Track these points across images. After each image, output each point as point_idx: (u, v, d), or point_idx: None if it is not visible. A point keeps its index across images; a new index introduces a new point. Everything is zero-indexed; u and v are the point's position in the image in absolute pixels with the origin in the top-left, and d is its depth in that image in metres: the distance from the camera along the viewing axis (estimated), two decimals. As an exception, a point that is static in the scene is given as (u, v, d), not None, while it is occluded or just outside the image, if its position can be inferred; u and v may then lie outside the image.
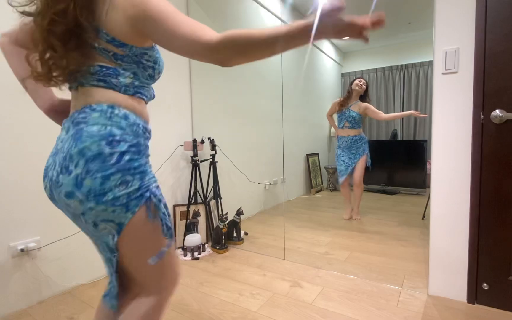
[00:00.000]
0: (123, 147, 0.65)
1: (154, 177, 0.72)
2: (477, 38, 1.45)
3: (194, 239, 2.27)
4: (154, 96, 0.81)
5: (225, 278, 1.90)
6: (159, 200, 0.70)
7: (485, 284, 1.51)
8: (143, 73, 0.73)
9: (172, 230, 0.74)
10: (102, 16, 0.65)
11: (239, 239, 2.51)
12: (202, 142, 2.56)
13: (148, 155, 0.73)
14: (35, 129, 1.63)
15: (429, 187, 1.71)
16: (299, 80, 4.12)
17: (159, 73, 0.78)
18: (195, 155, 2.48)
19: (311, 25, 0.60)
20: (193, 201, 2.47)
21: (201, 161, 2.59)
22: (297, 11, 3.97)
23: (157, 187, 0.72)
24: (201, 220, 2.47)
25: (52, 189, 0.67)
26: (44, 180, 0.70)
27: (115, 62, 0.68)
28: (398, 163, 4.30)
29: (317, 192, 4.43)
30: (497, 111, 1.40)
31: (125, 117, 0.68)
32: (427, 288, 1.67)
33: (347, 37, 0.67)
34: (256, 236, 2.68)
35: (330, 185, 4.56)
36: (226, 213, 2.39)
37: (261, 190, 3.50)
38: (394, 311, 1.50)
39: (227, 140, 2.90)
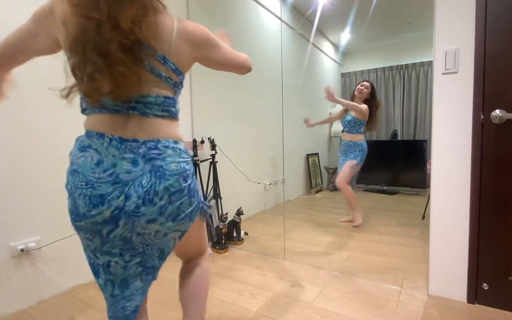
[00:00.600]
0: (190, 178, 0.81)
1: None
2: (477, 38, 1.45)
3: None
4: None
5: (225, 278, 1.90)
6: (205, 205, 0.89)
7: (485, 284, 1.51)
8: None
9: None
10: (166, 45, 0.73)
11: (239, 239, 2.51)
12: (202, 142, 2.56)
13: None
14: (35, 129, 1.63)
15: (429, 187, 1.71)
16: (299, 80, 4.13)
17: None
18: (195, 155, 2.48)
19: None
20: (193, 201, 2.47)
21: (201, 161, 2.59)
22: (297, 11, 3.97)
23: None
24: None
25: (120, 216, 0.71)
26: (97, 207, 0.69)
27: (174, 91, 0.79)
28: (398, 163, 4.30)
29: (317, 192, 4.43)
30: (497, 111, 1.40)
31: (185, 151, 0.82)
32: (427, 288, 1.67)
33: None
34: (256, 236, 2.68)
35: (330, 185, 4.56)
36: (226, 213, 2.39)
37: (261, 190, 3.50)
38: (394, 311, 1.50)
39: (227, 140, 2.90)
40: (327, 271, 1.95)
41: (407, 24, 4.02)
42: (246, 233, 2.68)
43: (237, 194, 3.03)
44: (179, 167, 0.76)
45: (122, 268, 0.77)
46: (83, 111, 0.76)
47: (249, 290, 1.74)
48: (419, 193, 4.15)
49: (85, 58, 0.65)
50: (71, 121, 1.78)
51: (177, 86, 0.79)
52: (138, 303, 0.81)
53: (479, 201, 1.49)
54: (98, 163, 0.69)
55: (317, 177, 4.55)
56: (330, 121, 3.62)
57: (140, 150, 0.71)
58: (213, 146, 2.58)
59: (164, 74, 0.74)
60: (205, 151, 2.65)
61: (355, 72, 4.85)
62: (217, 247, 2.34)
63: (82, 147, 0.72)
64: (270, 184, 3.65)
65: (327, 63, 4.73)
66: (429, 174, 1.66)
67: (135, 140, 0.71)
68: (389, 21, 4.00)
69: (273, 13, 3.53)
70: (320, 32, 4.48)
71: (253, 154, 3.37)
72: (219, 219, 2.37)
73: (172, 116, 0.78)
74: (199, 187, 2.65)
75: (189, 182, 0.79)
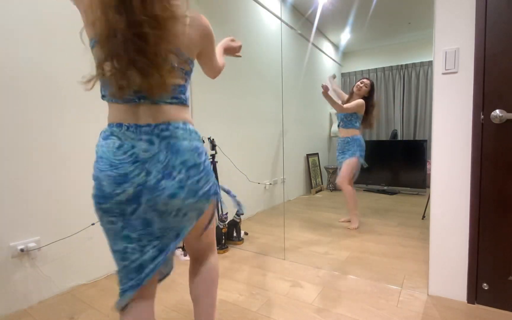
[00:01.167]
0: (204, 155, 0.86)
1: None
2: (477, 38, 1.45)
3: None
4: None
5: (225, 278, 1.90)
6: (218, 188, 0.94)
7: (485, 284, 1.51)
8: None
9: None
10: (180, 36, 0.77)
11: (239, 239, 2.51)
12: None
13: None
14: (34, 129, 1.63)
15: (429, 187, 1.71)
16: (299, 80, 4.12)
17: None
18: (195, 155, 2.47)
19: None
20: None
21: (201, 161, 2.58)
22: (297, 11, 3.97)
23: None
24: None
25: (143, 192, 0.76)
26: (121, 185, 0.74)
27: (185, 79, 0.83)
28: (398, 163, 4.30)
29: (317, 192, 4.43)
30: (497, 111, 1.40)
31: (196, 132, 0.86)
32: (427, 288, 1.67)
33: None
34: (256, 236, 2.68)
35: (330, 185, 4.56)
36: (226, 213, 2.39)
37: (261, 190, 3.50)
38: (394, 311, 1.50)
39: (227, 140, 2.90)
40: (327, 271, 1.95)
41: (407, 24, 4.02)
42: (246, 233, 2.68)
43: (237, 194, 3.02)
44: (191, 145, 0.82)
45: (138, 252, 0.80)
46: (103, 97, 0.80)
47: (249, 290, 1.74)
48: (419, 193, 4.16)
49: (118, 53, 0.67)
50: (71, 121, 1.78)
51: (188, 74, 0.84)
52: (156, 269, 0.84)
53: (479, 201, 1.49)
54: (119, 147, 0.75)
55: (317, 177, 4.55)
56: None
57: (154, 130, 0.77)
58: (213, 146, 2.58)
59: (176, 64, 0.79)
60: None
61: (355, 72, 4.85)
62: (217, 247, 2.34)
63: (105, 136, 0.77)
64: (270, 184, 3.65)
65: (327, 63, 4.73)
66: (429, 174, 1.66)
67: (148, 125, 0.76)
68: (389, 21, 4.00)
69: (273, 13, 3.53)
70: (320, 32, 4.48)
71: (253, 154, 3.37)
72: (219, 219, 2.37)
73: (182, 102, 0.83)
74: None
75: (203, 158, 0.85)
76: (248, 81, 3.26)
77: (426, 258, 1.87)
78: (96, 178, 0.77)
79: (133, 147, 0.75)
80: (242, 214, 2.54)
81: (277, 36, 3.59)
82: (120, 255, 0.80)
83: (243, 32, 3.18)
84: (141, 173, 0.75)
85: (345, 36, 4.65)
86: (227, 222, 2.40)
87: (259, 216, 3.32)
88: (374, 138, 4.63)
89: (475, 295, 1.53)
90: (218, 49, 1.14)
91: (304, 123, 4.16)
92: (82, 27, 0.75)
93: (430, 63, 4.22)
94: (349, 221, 2.93)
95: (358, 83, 2.85)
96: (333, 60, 4.88)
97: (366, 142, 2.92)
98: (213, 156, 2.58)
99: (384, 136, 4.57)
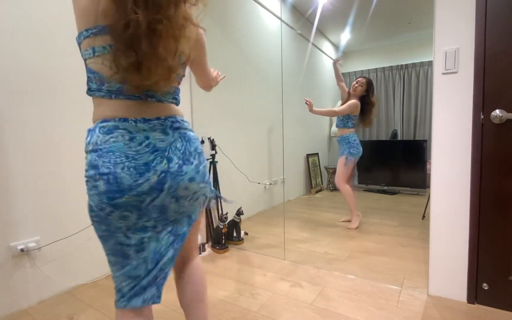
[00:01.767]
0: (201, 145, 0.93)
1: None
2: (477, 38, 1.45)
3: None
4: None
5: (225, 278, 1.90)
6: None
7: (485, 284, 1.51)
8: None
9: None
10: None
11: (239, 239, 2.51)
12: (202, 142, 2.56)
13: None
14: (34, 129, 1.63)
15: (429, 187, 1.71)
16: (299, 80, 4.12)
17: None
18: (195, 155, 2.47)
19: None
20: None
21: (201, 161, 2.59)
22: (297, 11, 3.97)
23: None
24: (202, 220, 2.47)
25: (166, 179, 0.78)
26: (144, 175, 0.74)
27: (178, 82, 0.87)
28: (398, 163, 4.29)
29: (317, 192, 4.43)
30: (497, 111, 1.40)
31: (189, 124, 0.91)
32: (427, 288, 1.67)
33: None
34: (256, 236, 2.68)
35: (330, 185, 4.56)
36: (226, 213, 2.39)
37: (261, 190, 3.50)
38: (394, 311, 1.50)
39: (227, 140, 2.90)
40: (327, 271, 1.95)
41: (407, 24, 4.02)
42: (246, 233, 2.68)
43: (237, 194, 3.03)
44: (195, 135, 0.90)
45: (155, 241, 0.81)
46: (91, 91, 0.77)
47: (249, 290, 1.74)
48: (419, 193, 4.16)
49: (126, 48, 0.67)
50: (71, 121, 1.78)
51: (181, 78, 0.88)
52: (168, 272, 0.86)
53: (479, 201, 1.49)
54: (131, 139, 0.75)
55: (317, 177, 4.55)
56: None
57: (166, 122, 0.80)
58: (213, 146, 2.58)
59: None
60: (205, 151, 2.65)
61: (355, 72, 4.85)
62: (217, 247, 2.34)
63: (108, 130, 0.74)
64: (270, 184, 3.65)
65: (327, 63, 4.73)
66: (429, 174, 1.66)
67: (158, 118, 0.79)
68: (389, 21, 4.00)
69: (273, 13, 3.53)
70: (320, 32, 4.48)
71: (253, 154, 3.37)
72: (219, 219, 2.37)
73: (178, 103, 0.89)
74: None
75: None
76: (248, 81, 3.26)
77: (426, 258, 1.87)
78: (106, 173, 0.72)
79: (147, 138, 0.76)
80: (242, 214, 2.54)
81: (277, 36, 3.59)
82: (135, 248, 0.79)
83: (243, 32, 3.18)
84: (163, 161, 0.77)
85: (345, 36, 4.65)
86: (227, 222, 2.40)
87: (259, 216, 3.32)
88: (374, 138, 4.63)
89: (475, 295, 1.53)
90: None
91: (304, 123, 4.16)
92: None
93: (430, 63, 4.22)
94: (349, 221, 2.93)
95: (354, 83, 2.84)
96: (333, 60, 4.88)
97: (366, 142, 2.91)
98: (213, 156, 2.58)
99: (384, 136, 4.57)
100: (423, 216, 3.06)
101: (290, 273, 1.94)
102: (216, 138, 2.63)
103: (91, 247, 1.87)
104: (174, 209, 0.83)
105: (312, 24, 4.14)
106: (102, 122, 0.75)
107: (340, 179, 2.81)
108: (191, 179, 0.83)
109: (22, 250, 1.57)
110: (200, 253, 2.26)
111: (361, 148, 2.82)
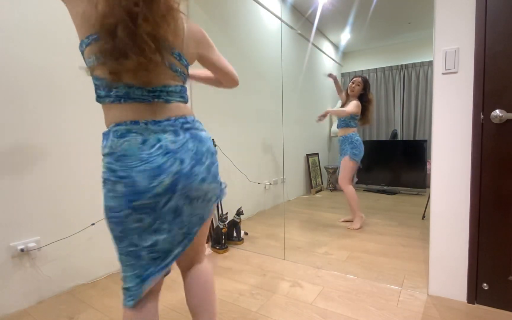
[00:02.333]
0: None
1: None
2: (477, 38, 1.45)
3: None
4: None
5: (225, 278, 1.90)
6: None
7: (485, 284, 1.51)
8: None
9: None
10: (180, 42, 0.82)
11: (239, 239, 2.51)
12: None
13: None
14: (34, 129, 1.63)
15: (429, 187, 1.71)
16: (299, 80, 4.13)
17: None
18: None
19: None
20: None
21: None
22: (297, 11, 3.97)
23: None
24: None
25: (179, 180, 0.79)
26: (158, 177, 0.75)
27: (184, 82, 0.89)
28: (398, 163, 4.30)
29: (317, 192, 4.43)
30: (497, 111, 1.40)
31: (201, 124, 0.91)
32: (427, 288, 1.67)
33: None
34: (256, 236, 2.68)
35: (330, 185, 4.56)
36: (226, 213, 2.39)
37: (261, 190, 3.50)
38: (394, 311, 1.50)
39: (227, 140, 2.91)
40: (327, 271, 1.95)
41: (407, 24, 4.03)
42: (246, 233, 2.68)
43: (237, 194, 3.03)
44: (207, 134, 0.90)
45: (168, 243, 0.83)
46: (101, 98, 0.78)
47: (249, 290, 1.74)
48: (419, 193, 4.16)
49: (115, 39, 0.68)
50: (70, 121, 1.78)
51: (185, 77, 0.89)
52: (170, 264, 0.87)
53: (479, 201, 1.49)
54: (143, 142, 0.76)
55: (317, 177, 4.55)
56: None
57: (176, 123, 0.81)
58: (213, 146, 2.58)
59: (179, 69, 0.84)
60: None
61: (355, 72, 4.85)
62: (217, 247, 2.34)
63: (121, 134, 0.76)
64: (270, 184, 3.65)
65: (327, 63, 4.73)
66: (429, 174, 1.66)
67: (168, 119, 0.80)
68: (389, 21, 4.00)
69: (273, 13, 3.53)
70: (320, 32, 4.48)
71: (253, 154, 3.37)
72: (219, 219, 2.37)
73: (186, 101, 0.89)
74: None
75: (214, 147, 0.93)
76: (248, 81, 3.26)
77: (426, 258, 1.87)
78: (122, 177, 0.75)
79: (159, 140, 0.77)
80: (242, 214, 2.54)
81: (277, 36, 3.59)
82: (148, 249, 0.80)
83: (243, 32, 3.18)
84: (175, 163, 0.78)
85: (345, 36, 4.65)
86: (227, 222, 2.40)
87: (259, 216, 3.32)
88: (374, 138, 4.63)
89: (475, 295, 1.53)
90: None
91: (304, 123, 4.16)
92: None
93: (430, 63, 4.23)
94: (349, 221, 2.93)
95: (350, 84, 2.84)
96: (333, 60, 4.88)
97: (367, 142, 2.91)
98: (213, 156, 2.57)
99: (384, 136, 4.57)
100: (423, 216, 3.06)
101: (290, 273, 1.94)
102: (216, 138, 2.63)
103: (91, 247, 1.88)
104: (189, 212, 0.84)
105: (312, 24, 4.14)
106: (115, 126, 0.77)
107: (344, 180, 2.80)
108: (203, 180, 0.84)
109: (22, 250, 1.57)
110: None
111: (363, 148, 2.81)
